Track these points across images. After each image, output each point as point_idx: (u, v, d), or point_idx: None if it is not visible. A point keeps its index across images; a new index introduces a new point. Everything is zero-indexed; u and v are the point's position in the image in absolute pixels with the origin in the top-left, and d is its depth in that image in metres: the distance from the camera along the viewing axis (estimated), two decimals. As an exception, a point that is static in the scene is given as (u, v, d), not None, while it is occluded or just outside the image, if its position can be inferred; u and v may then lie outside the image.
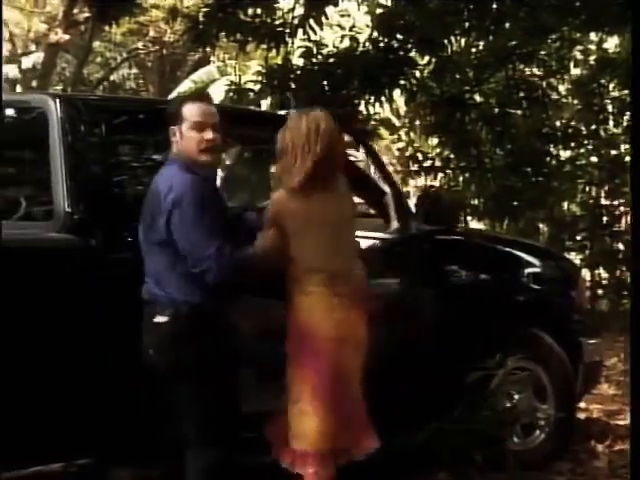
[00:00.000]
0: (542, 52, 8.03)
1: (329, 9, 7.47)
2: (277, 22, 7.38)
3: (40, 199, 4.02)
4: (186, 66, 17.68)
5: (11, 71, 16.84)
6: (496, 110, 8.19)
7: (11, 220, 3.95)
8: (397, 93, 7.78)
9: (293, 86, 7.33)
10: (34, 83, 14.78)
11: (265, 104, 8.44)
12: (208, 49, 8.57)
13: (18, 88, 16.33)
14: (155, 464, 3.67)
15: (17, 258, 3.58)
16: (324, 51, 7.40)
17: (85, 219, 3.70)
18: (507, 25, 7.49)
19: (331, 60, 7.33)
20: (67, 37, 12.97)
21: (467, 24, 7.31)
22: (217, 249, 3.18)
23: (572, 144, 9.31)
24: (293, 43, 7.45)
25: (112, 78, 17.58)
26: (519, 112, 8.28)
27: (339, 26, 7.71)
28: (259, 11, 7.32)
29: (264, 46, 7.38)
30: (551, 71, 8.36)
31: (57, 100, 3.88)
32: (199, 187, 3.26)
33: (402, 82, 7.38)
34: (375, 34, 7.30)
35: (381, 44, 7.23)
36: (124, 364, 3.59)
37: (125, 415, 3.63)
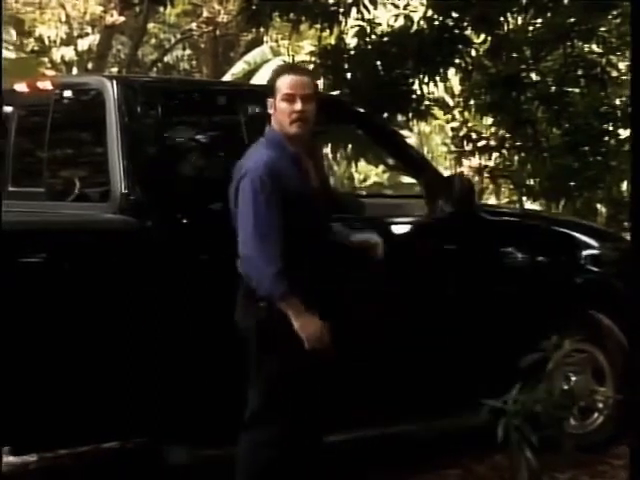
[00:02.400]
0: (602, 29, 7.84)
1: (383, -13, 7.40)
2: (331, 1, 7.32)
3: (96, 180, 4.06)
4: (239, 47, 17.70)
5: (67, 53, 17.06)
6: (553, 89, 8.02)
7: (66, 201, 4.01)
8: (452, 72, 7.67)
9: (346, 66, 7.28)
10: (90, 65, 14.93)
11: (319, 85, 8.40)
12: (261, 29, 8.53)
13: (74, 70, 16.54)
14: (212, 443, 3.70)
15: (75, 239, 3.63)
16: (378, 30, 7.32)
17: (141, 200, 3.74)
18: (566, 1, 7.33)
19: (385, 39, 7.25)
20: (122, 19, 13.08)
21: (524, 1, 7.17)
22: (274, 275, 3.12)
23: (631, 123, 9.09)
24: (347, 22, 7.39)
25: (166, 59, 17.67)
26: (577, 90, 8.11)
27: (393, 5, 7.59)
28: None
29: (317, 26, 7.33)
30: (611, 48, 8.16)
31: (114, 82, 3.92)
32: (272, 167, 3.21)
33: (457, 61, 7.27)
34: (430, 12, 7.20)
35: (436, 22, 7.13)
36: (181, 343, 3.63)
37: (182, 394, 3.67)
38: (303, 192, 3.28)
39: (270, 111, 3.33)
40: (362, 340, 3.98)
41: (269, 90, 3.34)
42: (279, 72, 3.42)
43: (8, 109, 4.41)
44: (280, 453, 3.22)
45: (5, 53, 16.60)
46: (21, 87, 4.38)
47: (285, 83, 3.29)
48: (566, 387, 4.57)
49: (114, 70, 15.78)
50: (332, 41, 7.64)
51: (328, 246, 3.35)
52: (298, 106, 3.26)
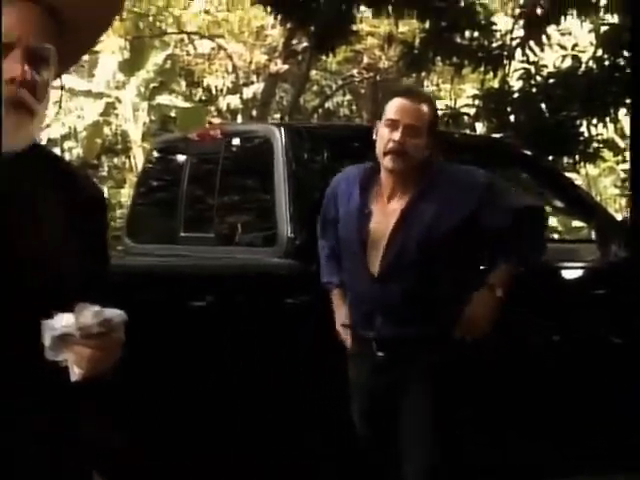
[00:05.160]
0: None
1: (550, 29, 7.27)
2: (495, 45, 7.26)
3: (263, 225, 4.13)
4: (399, 92, 17.77)
5: (233, 101, 17.71)
6: None
7: (235, 246, 4.10)
8: (622, 112, 7.41)
9: (509, 109, 7.17)
10: (254, 112, 15.41)
11: (480, 128, 8.31)
12: (422, 74, 8.56)
13: (239, 118, 17.12)
14: None
15: (242, 283, 3.69)
16: (544, 72, 7.18)
17: (307, 245, 3.76)
18: None
19: (551, 81, 7.11)
20: (286, 67, 13.44)
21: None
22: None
23: None
24: (511, 65, 7.30)
25: (327, 105, 18.02)
26: None
27: (560, 46, 7.46)
28: (476, 34, 7.23)
29: (481, 69, 7.27)
30: None
31: (282, 129, 3.99)
32: (334, 186, 3.08)
33: (628, 101, 7.02)
34: (600, 52, 7.00)
35: (606, 62, 6.93)
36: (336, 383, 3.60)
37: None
38: (348, 229, 2.97)
39: (375, 137, 2.95)
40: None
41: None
42: (392, 94, 3.04)
43: (181, 157, 4.58)
44: None
45: (175, 102, 17.42)
46: (193, 136, 4.54)
47: (391, 107, 2.87)
48: None
49: (277, 117, 16.23)
50: (495, 84, 7.56)
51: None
52: (396, 135, 2.81)
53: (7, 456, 1.44)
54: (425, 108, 2.88)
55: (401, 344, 2.90)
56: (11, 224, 1.45)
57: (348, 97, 18.68)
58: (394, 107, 2.87)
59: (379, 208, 2.91)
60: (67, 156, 16.33)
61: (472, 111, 7.43)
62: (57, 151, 11.35)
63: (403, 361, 2.90)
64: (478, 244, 2.98)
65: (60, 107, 1.61)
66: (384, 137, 2.85)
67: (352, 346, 3.07)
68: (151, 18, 15.80)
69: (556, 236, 10.73)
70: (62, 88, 1.54)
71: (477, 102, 7.37)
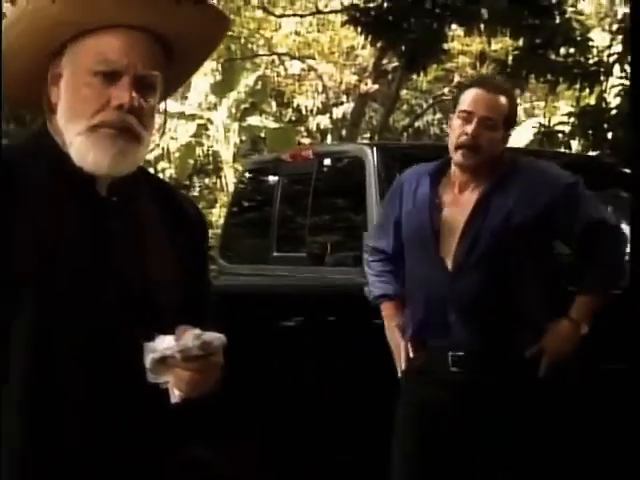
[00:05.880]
0: None
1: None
2: (591, 61, 7.10)
3: (353, 245, 4.11)
4: (490, 110, 17.58)
5: (323, 121, 17.81)
6: None
7: (326, 266, 4.08)
8: None
9: (606, 126, 6.99)
10: (343, 132, 15.46)
11: (575, 146, 8.13)
12: (516, 91, 8.44)
13: (329, 138, 17.20)
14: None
15: (332, 303, 3.67)
16: (643, 87, 6.98)
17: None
18: None
19: (651, 96, 6.90)
20: (376, 87, 13.44)
21: None
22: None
23: None
24: (608, 81, 7.12)
25: (417, 124, 17.95)
26: None
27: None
28: (572, 51, 7.09)
29: (576, 86, 7.12)
30: None
31: (373, 149, 3.98)
32: (398, 185, 2.87)
33: None
34: None
35: None
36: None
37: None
38: (420, 221, 2.74)
39: (448, 130, 2.79)
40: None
41: (532, 154, 3.16)
42: (469, 84, 2.86)
43: (273, 178, 4.60)
44: None
45: (266, 123, 17.63)
46: (285, 156, 4.57)
47: (466, 98, 2.67)
48: None
49: (366, 136, 16.24)
50: (592, 101, 7.39)
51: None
52: (469, 128, 2.62)
53: (112, 477, 1.46)
54: (503, 100, 2.66)
55: (478, 357, 2.65)
56: (117, 246, 1.48)
57: (438, 116, 18.57)
58: (469, 98, 2.65)
59: (451, 199, 2.71)
60: (160, 177, 16.64)
61: (567, 129, 7.28)
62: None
63: (480, 380, 2.64)
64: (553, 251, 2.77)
65: (164, 132, 1.64)
66: (456, 130, 2.65)
67: (415, 360, 2.75)
68: (243, 40, 16.04)
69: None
70: (165, 112, 1.57)
71: (572, 119, 7.21)
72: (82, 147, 1.45)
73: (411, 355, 2.76)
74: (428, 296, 2.71)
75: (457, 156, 2.65)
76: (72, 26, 1.45)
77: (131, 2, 1.44)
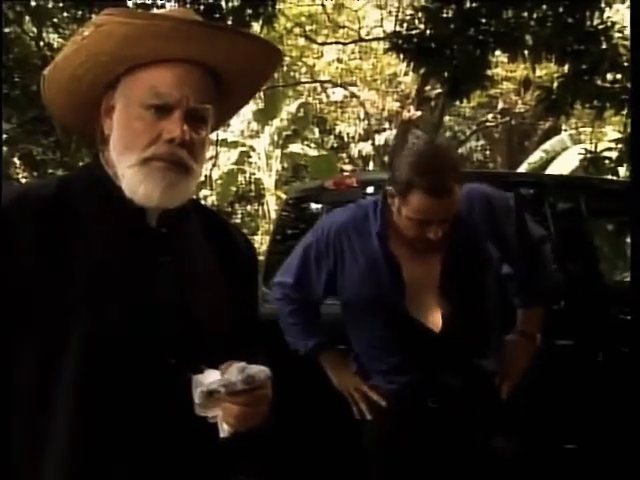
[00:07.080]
0: None
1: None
2: (638, 86, 7.01)
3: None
4: (535, 136, 17.51)
5: (365, 148, 17.84)
6: None
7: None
8: None
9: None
10: (386, 159, 15.46)
11: (622, 172, 8.02)
12: (561, 118, 8.36)
13: (370, 165, 17.21)
14: None
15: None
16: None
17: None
18: None
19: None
20: (419, 113, 13.42)
21: None
22: None
23: None
24: (656, 106, 7.02)
25: (460, 150, 17.89)
26: None
27: None
28: (619, 76, 7.00)
29: (624, 112, 7.03)
30: None
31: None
32: (354, 235, 2.58)
33: None
34: None
35: None
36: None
37: None
38: (378, 283, 2.52)
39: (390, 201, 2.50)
40: None
41: (577, 181, 3.09)
42: (410, 182, 2.38)
43: (317, 206, 4.58)
44: None
45: (307, 150, 17.70)
46: (329, 184, 4.55)
47: (415, 205, 2.38)
48: None
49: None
50: (639, 127, 7.28)
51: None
52: (429, 231, 2.42)
53: None
54: (454, 197, 2.35)
55: (455, 389, 2.54)
56: (167, 278, 1.49)
57: (482, 142, 18.50)
58: (419, 206, 2.35)
59: (408, 254, 2.50)
60: (210, 207, 16.75)
61: (614, 155, 7.18)
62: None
63: (455, 410, 2.56)
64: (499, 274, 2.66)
65: (214, 164, 1.65)
66: (410, 230, 2.42)
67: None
68: (285, 68, 16.17)
69: None
70: (217, 143, 1.57)
71: (620, 145, 7.11)
72: (133, 179, 1.46)
73: (382, 404, 2.61)
74: (404, 359, 2.54)
75: (413, 241, 2.46)
76: (127, 61, 1.47)
77: (184, 37, 1.44)
